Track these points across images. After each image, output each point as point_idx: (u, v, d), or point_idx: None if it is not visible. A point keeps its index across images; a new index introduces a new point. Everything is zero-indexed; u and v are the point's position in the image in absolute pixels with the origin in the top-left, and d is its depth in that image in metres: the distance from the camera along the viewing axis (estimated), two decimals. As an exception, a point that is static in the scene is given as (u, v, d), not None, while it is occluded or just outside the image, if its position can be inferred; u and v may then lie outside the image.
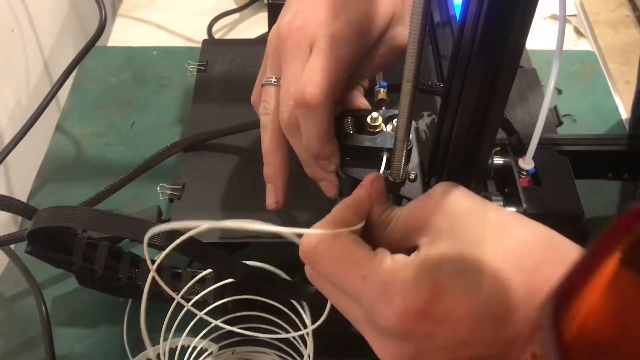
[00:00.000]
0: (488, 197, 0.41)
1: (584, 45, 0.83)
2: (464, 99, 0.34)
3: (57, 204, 0.63)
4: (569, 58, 0.80)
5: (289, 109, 0.38)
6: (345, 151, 0.40)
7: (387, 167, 0.39)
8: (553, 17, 0.86)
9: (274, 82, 0.41)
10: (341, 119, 0.41)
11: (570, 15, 0.86)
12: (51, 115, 0.73)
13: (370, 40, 0.40)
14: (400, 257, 0.30)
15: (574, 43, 0.83)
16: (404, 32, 0.41)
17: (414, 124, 0.43)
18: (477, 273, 0.28)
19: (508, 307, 0.27)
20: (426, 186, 0.41)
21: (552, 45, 0.82)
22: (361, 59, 0.41)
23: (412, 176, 0.40)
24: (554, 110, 0.66)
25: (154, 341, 0.54)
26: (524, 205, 0.41)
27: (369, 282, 0.29)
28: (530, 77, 0.69)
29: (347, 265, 0.30)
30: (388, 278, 0.29)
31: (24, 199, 0.66)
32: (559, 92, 0.76)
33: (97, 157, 0.68)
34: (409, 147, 0.38)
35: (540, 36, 0.83)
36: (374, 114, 0.40)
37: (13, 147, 0.64)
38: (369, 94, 0.45)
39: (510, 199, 0.42)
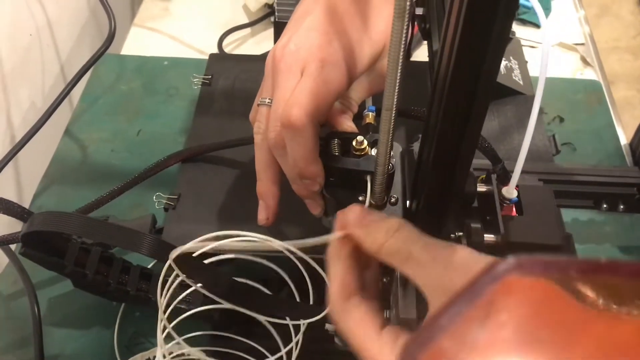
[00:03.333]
0: (468, 225, 0.42)
1: (589, 74, 0.84)
2: (440, 124, 0.35)
3: (60, 206, 0.66)
4: (574, 86, 0.80)
5: (276, 129, 0.40)
6: (330, 172, 0.41)
7: (372, 188, 0.41)
8: (560, 45, 0.87)
9: (268, 102, 0.42)
10: (328, 141, 0.42)
11: (577, 44, 0.86)
12: (65, 117, 0.75)
13: (361, 67, 0.41)
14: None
15: (579, 72, 0.84)
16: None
17: (400, 148, 0.44)
18: None
19: None
20: (406, 210, 0.42)
21: (557, 72, 0.84)
22: (350, 85, 0.42)
23: (392, 199, 0.41)
24: (551, 138, 0.67)
25: (144, 346, 0.56)
26: (502, 233, 0.41)
27: None
28: (531, 104, 0.69)
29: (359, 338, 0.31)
30: None
31: (30, 198, 0.68)
32: (561, 120, 0.76)
33: (102, 163, 0.70)
34: (390, 172, 0.40)
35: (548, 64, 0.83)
36: (360, 138, 0.41)
37: (22, 147, 0.67)
38: (359, 117, 0.46)
39: (490, 227, 0.43)
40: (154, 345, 0.55)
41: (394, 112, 0.35)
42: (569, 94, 0.79)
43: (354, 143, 0.41)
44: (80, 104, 0.76)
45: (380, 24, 0.42)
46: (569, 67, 0.84)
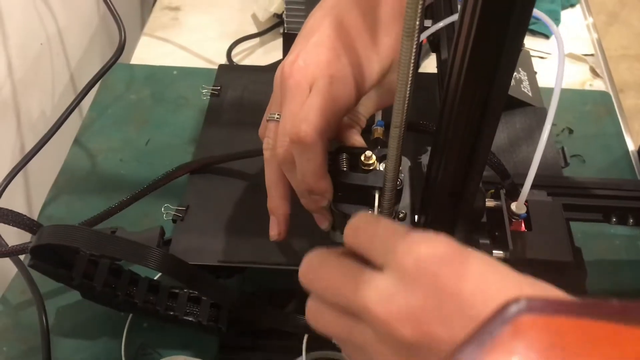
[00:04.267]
0: (476, 240, 0.42)
1: (599, 85, 0.83)
2: (450, 138, 0.35)
3: (69, 216, 0.66)
4: (583, 98, 0.80)
5: (284, 145, 0.40)
6: (339, 187, 0.41)
7: (379, 205, 0.41)
8: (570, 55, 0.86)
9: (276, 118, 0.42)
10: (337, 155, 0.42)
11: (586, 55, 0.86)
12: (74, 127, 0.76)
13: (369, 82, 0.41)
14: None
15: (589, 83, 0.84)
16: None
17: (408, 162, 0.44)
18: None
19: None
20: (414, 225, 0.42)
21: (566, 83, 0.83)
22: (359, 100, 0.42)
23: (401, 215, 0.41)
24: (560, 151, 0.66)
25: (152, 357, 0.56)
26: (511, 249, 0.41)
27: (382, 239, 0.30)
28: (540, 115, 0.69)
29: (347, 267, 0.31)
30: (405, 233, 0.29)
31: (39, 208, 0.69)
32: (570, 132, 0.76)
33: (111, 172, 0.70)
34: (399, 187, 0.40)
35: (556, 74, 0.83)
36: (368, 153, 0.41)
37: (32, 156, 0.67)
38: (367, 131, 0.46)
39: (498, 243, 0.42)
40: (162, 356, 0.55)
41: (402, 129, 0.35)
42: (578, 105, 0.79)
43: (362, 158, 0.41)
44: (89, 114, 0.77)
45: (388, 39, 0.42)
46: (579, 78, 0.84)
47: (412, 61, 0.31)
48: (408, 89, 0.32)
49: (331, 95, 0.39)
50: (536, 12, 0.56)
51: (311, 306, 0.33)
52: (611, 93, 0.82)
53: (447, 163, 0.37)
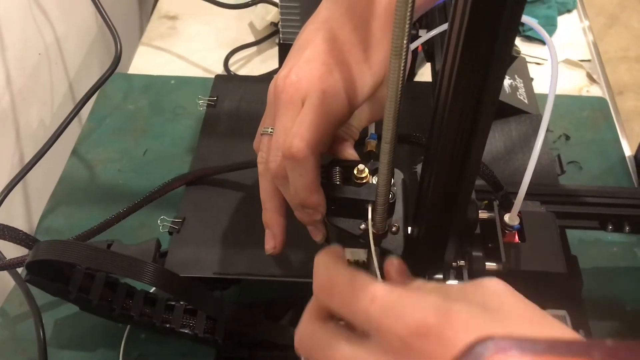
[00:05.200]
0: (469, 253, 0.42)
1: (595, 90, 0.83)
2: (441, 149, 0.35)
3: (67, 227, 0.67)
4: (580, 104, 0.80)
5: (277, 159, 0.40)
6: (332, 201, 0.42)
7: (372, 218, 0.41)
8: (566, 61, 0.86)
9: (270, 132, 0.43)
10: (330, 168, 0.43)
11: (583, 61, 0.86)
12: (72, 138, 0.76)
13: (362, 97, 0.42)
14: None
15: (586, 89, 0.84)
16: None
17: (401, 175, 0.44)
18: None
19: None
20: (408, 237, 0.42)
21: (564, 89, 0.84)
22: (351, 114, 0.42)
23: (394, 228, 0.41)
24: (557, 158, 0.66)
25: (149, 367, 0.56)
26: (503, 261, 0.41)
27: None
28: (536, 123, 0.69)
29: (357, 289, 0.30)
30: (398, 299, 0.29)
31: (37, 218, 0.69)
32: (567, 138, 0.76)
33: (109, 183, 0.71)
34: (391, 201, 0.40)
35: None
36: (361, 166, 0.41)
37: (32, 166, 0.68)
38: (361, 142, 0.46)
39: (491, 255, 0.43)
40: (159, 367, 0.55)
41: (393, 144, 0.35)
42: (575, 111, 0.79)
43: (355, 171, 0.42)
44: (87, 124, 0.77)
45: (380, 53, 0.42)
46: (575, 84, 0.84)
47: (401, 79, 0.32)
48: (397, 106, 0.33)
49: (323, 110, 0.39)
50: (530, 21, 0.56)
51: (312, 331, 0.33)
52: (608, 98, 0.82)
53: (439, 174, 0.37)
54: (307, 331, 0.33)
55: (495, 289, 0.29)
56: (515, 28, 0.30)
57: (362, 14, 0.43)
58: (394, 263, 0.37)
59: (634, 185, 0.72)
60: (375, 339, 0.29)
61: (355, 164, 0.42)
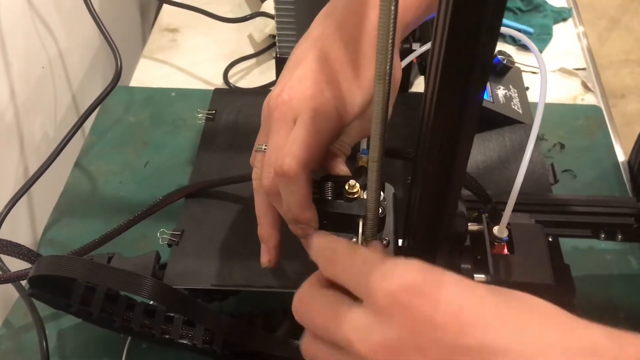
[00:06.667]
0: (457, 265, 0.43)
1: (590, 99, 0.84)
2: (425, 162, 0.36)
3: (70, 238, 0.68)
4: (574, 113, 0.81)
5: (270, 176, 0.41)
6: (324, 216, 0.43)
7: (362, 232, 0.42)
8: (561, 70, 0.87)
9: (264, 149, 0.44)
10: (322, 184, 0.44)
11: (578, 69, 0.87)
12: (75, 150, 0.78)
13: (352, 114, 0.43)
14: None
15: (580, 97, 0.85)
16: None
17: (392, 189, 0.45)
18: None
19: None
20: (398, 249, 0.43)
21: (558, 98, 0.84)
22: (342, 131, 0.43)
23: (384, 242, 0.42)
24: (550, 168, 0.67)
25: (150, 376, 0.57)
26: (491, 273, 0.43)
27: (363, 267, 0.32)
28: (529, 132, 0.70)
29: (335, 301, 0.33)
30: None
31: (41, 230, 0.71)
32: (562, 147, 0.77)
33: (111, 195, 0.72)
34: (381, 216, 0.41)
35: (548, 89, 0.84)
36: (352, 182, 0.43)
37: (37, 179, 0.69)
38: (353, 157, 0.47)
39: (480, 267, 0.44)
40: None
41: (380, 163, 0.36)
42: (569, 120, 0.80)
43: (346, 187, 0.43)
44: (89, 137, 0.79)
45: (370, 71, 0.43)
46: (570, 93, 0.85)
47: (385, 103, 0.33)
48: (383, 127, 0.34)
49: (314, 129, 0.40)
50: (517, 34, 0.57)
51: (306, 341, 0.35)
52: (602, 106, 0.83)
53: (425, 187, 0.38)
54: (307, 294, 0.35)
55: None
56: (494, 40, 0.31)
57: (353, 32, 0.44)
58: (377, 247, 0.39)
59: (627, 192, 0.73)
60: (369, 299, 0.30)
61: (346, 179, 0.43)
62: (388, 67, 0.31)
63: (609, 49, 2.31)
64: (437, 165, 0.36)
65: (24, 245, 0.46)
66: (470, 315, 0.29)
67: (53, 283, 0.47)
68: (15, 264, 0.58)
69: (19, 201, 0.67)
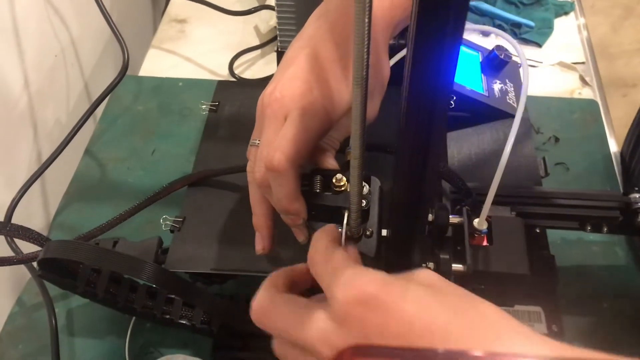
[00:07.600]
0: (437, 255, 0.46)
1: (588, 93, 0.86)
2: (401, 156, 0.38)
3: (80, 223, 0.72)
4: (570, 106, 0.83)
5: (261, 170, 0.44)
6: (312, 207, 0.46)
7: (347, 223, 0.45)
8: (560, 64, 0.89)
9: (257, 144, 0.47)
10: (312, 177, 0.47)
11: (577, 63, 0.89)
12: (85, 138, 0.81)
13: (340, 112, 0.45)
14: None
15: (578, 91, 0.86)
16: (372, 107, 0.46)
17: (378, 182, 0.48)
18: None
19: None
20: (381, 240, 0.46)
21: (556, 92, 0.86)
22: (331, 128, 0.46)
23: (368, 232, 0.45)
24: (541, 161, 0.69)
25: (153, 355, 0.61)
26: (468, 263, 0.45)
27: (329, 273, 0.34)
28: (523, 125, 0.72)
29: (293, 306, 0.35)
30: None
31: (54, 213, 0.74)
32: (557, 140, 0.79)
33: (119, 181, 0.75)
34: (365, 208, 0.44)
35: (546, 83, 0.86)
36: (339, 175, 0.45)
37: (49, 164, 0.72)
38: (342, 150, 0.50)
39: (459, 257, 0.46)
40: (163, 354, 0.60)
41: (361, 160, 0.39)
42: (565, 113, 0.82)
43: (333, 180, 0.45)
44: (99, 125, 0.82)
45: None
46: (568, 87, 0.87)
47: (363, 105, 0.35)
48: (363, 127, 0.36)
49: (303, 126, 0.43)
50: (501, 33, 0.59)
51: (275, 346, 0.37)
52: (599, 100, 0.85)
53: (400, 179, 0.40)
54: (266, 300, 0.37)
55: (426, 276, 0.34)
56: (459, 37, 0.33)
57: (343, 32, 0.46)
58: (352, 253, 0.40)
59: (618, 184, 0.75)
60: (332, 306, 0.33)
61: (334, 173, 0.46)
62: (364, 73, 0.34)
63: (622, 37, 2.30)
64: (410, 155, 0.38)
65: (34, 230, 0.49)
66: (421, 329, 0.30)
67: (60, 265, 0.50)
68: (27, 247, 0.61)
69: (33, 185, 0.70)
